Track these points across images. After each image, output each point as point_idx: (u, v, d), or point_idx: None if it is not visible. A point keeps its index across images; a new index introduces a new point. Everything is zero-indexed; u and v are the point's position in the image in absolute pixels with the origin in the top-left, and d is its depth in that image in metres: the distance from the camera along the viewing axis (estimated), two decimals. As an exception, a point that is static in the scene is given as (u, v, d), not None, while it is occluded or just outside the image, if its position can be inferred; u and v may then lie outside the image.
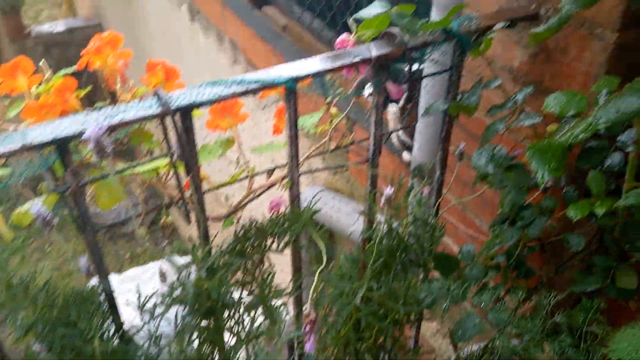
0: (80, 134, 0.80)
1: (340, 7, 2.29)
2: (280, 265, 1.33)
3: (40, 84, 1.03)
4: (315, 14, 2.49)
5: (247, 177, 1.13)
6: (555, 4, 0.98)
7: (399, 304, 1.08)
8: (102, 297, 1.01)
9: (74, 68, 1.02)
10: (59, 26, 5.93)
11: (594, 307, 0.83)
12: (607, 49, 0.88)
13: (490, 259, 1.09)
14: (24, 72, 1.00)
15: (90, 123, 0.81)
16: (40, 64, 1.05)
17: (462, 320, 1.03)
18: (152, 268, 3.94)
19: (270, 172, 1.15)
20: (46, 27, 5.93)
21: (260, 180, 1.16)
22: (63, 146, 0.81)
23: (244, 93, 0.88)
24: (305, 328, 0.98)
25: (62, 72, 1.04)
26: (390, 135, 1.57)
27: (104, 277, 0.99)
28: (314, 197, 2.15)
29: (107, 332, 0.98)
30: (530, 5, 1.02)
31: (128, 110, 0.84)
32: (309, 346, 0.96)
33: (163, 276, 1.02)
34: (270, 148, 1.08)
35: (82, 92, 1.04)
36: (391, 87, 1.01)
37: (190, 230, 1.10)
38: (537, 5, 1.01)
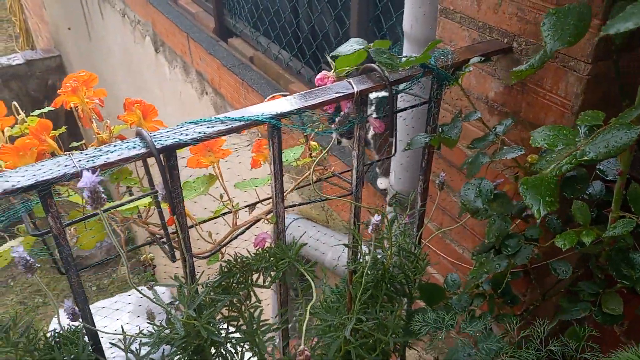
0: (63, 177, 0.78)
1: (307, 38, 2.31)
2: (261, 296, 1.31)
3: (14, 125, 1.00)
4: (282, 46, 2.51)
5: (229, 212, 1.11)
6: (527, 38, 1.01)
7: (389, 335, 1.08)
8: (85, 339, 0.97)
9: (48, 108, 1.00)
10: (17, 59, 5.81)
11: (585, 334, 0.84)
12: (582, 80, 0.92)
13: (476, 287, 1.10)
14: (-4, 114, 0.97)
15: (73, 166, 0.78)
16: (13, 106, 1.03)
17: (452, 350, 1.02)
18: (124, 299, 3.86)
19: (252, 206, 1.14)
20: (4, 60, 5.79)
21: (244, 215, 1.15)
22: (45, 190, 0.78)
23: (229, 131, 0.87)
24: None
25: (37, 112, 1.01)
26: (370, 166, 1.58)
27: (88, 320, 0.95)
28: (288, 225, 2.13)
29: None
30: (503, 39, 1.05)
31: (112, 151, 0.82)
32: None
33: (151, 316, 0.99)
34: (254, 184, 1.07)
35: (58, 132, 1.02)
36: (373, 121, 1.02)
37: (168, 268, 1.08)
38: (510, 39, 1.04)
